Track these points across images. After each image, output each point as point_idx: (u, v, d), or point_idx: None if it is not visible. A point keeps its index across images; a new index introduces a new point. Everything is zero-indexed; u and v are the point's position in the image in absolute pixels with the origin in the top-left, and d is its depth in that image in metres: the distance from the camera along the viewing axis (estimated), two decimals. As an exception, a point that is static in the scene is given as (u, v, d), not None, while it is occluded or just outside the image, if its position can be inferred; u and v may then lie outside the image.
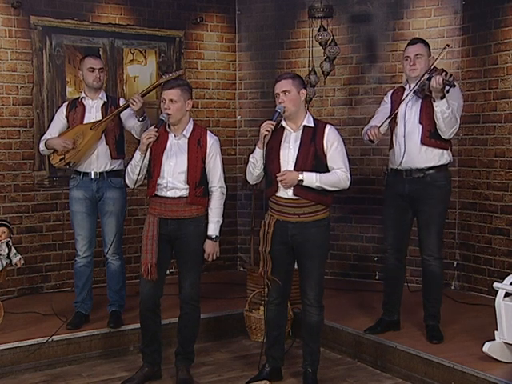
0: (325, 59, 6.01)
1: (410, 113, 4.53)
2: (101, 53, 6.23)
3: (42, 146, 4.95)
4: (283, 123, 4.12)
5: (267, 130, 4.01)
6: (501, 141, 5.62)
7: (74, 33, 6.11)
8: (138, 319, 4.38)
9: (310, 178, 4.00)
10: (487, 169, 5.75)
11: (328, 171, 4.07)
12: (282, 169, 4.06)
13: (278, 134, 4.09)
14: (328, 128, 4.10)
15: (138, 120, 4.73)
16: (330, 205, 4.18)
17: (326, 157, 4.06)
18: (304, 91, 4.13)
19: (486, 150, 5.75)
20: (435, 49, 5.99)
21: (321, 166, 4.05)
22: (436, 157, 4.52)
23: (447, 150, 4.56)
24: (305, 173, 4.00)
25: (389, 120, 4.58)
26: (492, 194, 5.71)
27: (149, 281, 4.18)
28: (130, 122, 4.84)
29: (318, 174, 4.02)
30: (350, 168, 4.12)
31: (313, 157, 4.04)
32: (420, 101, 4.50)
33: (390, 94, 4.75)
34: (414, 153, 4.50)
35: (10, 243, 4.81)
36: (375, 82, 6.34)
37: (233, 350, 5.10)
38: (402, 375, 4.49)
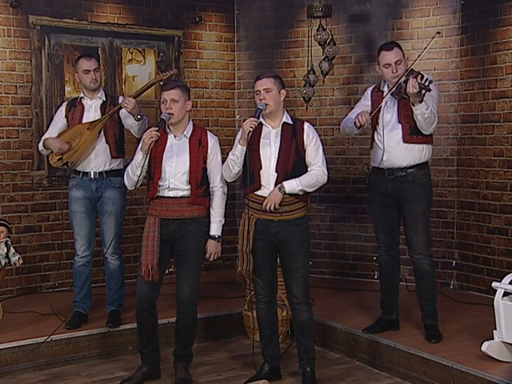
0: (324, 59, 6.02)
1: (389, 114, 4.58)
2: (99, 52, 6.23)
3: (40, 146, 4.96)
4: (262, 121, 4.16)
5: (251, 127, 4.03)
6: (499, 140, 5.62)
7: (73, 32, 6.10)
8: (136, 320, 4.38)
9: (292, 186, 4.07)
10: (486, 168, 5.75)
11: (306, 167, 4.14)
12: (264, 165, 4.10)
13: (256, 131, 4.11)
14: (307, 125, 4.20)
15: (135, 120, 4.73)
16: (308, 201, 4.23)
17: (305, 152, 4.14)
18: (284, 91, 4.18)
19: (485, 149, 5.75)
20: (434, 48, 6.03)
21: (301, 162, 4.13)
22: (417, 153, 4.56)
23: (429, 144, 4.62)
24: (284, 183, 4.06)
25: (375, 111, 4.58)
26: (491, 194, 5.72)
27: (147, 282, 4.17)
28: (129, 120, 4.84)
29: (297, 179, 4.09)
30: (327, 163, 4.21)
31: (295, 152, 4.10)
32: (397, 102, 4.55)
33: (370, 92, 4.77)
34: (396, 152, 4.55)
35: (9, 243, 4.81)
36: (374, 82, 6.31)
37: (232, 349, 5.10)
38: (401, 374, 4.49)
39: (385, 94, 4.60)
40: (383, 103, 4.57)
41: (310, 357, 4.26)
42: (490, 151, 5.70)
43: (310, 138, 4.15)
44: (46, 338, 4.62)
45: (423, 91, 4.25)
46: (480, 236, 5.82)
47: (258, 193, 4.14)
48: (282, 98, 4.17)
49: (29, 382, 4.48)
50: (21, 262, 4.85)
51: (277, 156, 4.10)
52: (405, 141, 4.53)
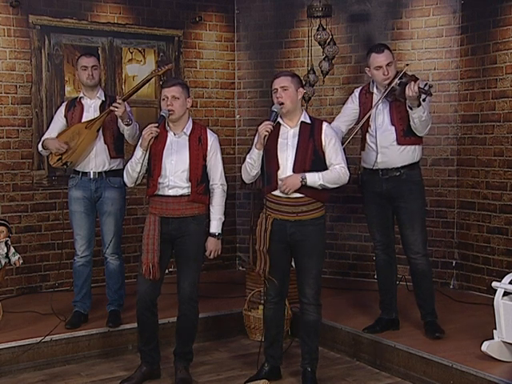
0: (324, 58, 6.02)
1: (381, 116, 4.59)
2: (99, 52, 6.23)
3: (40, 147, 4.96)
4: (280, 120, 4.14)
5: (266, 131, 4.01)
6: (499, 140, 5.62)
7: (73, 32, 6.10)
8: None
9: (313, 178, 4.03)
10: (486, 168, 5.75)
11: (326, 167, 4.10)
12: (281, 166, 4.07)
13: (274, 131, 4.09)
14: (325, 125, 4.15)
15: (124, 124, 4.71)
16: (327, 201, 4.21)
17: (324, 153, 4.10)
18: (302, 90, 4.15)
19: (485, 149, 5.75)
20: (434, 48, 6.03)
21: (319, 162, 4.08)
22: (410, 154, 4.59)
23: (420, 144, 4.65)
24: (306, 174, 4.02)
25: (363, 121, 4.60)
26: (491, 193, 5.71)
27: (148, 280, 4.18)
28: (121, 124, 4.82)
29: (320, 173, 4.04)
30: (347, 163, 4.17)
31: (312, 152, 4.06)
32: (388, 104, 4.56)
33: (357, 94, 4.76)
34: (391, 154, 4.56)
35: (9, 242, 4.81)
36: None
37: (232, 349, 5.10)
38: (401, 374, 4.49)
39: (376, 97, 4.61)
40: (374, 109, 4.57)
41: (312, 357, 4.26)
42: (490, 151, 5.70)
43: (329, 139, 4.10)
44: (42, 337, 4.62)
45: (423, 96, 4.26)
46: (480, 236, 5.82)
47: (275, 193, 4.12)
48: (300, 97, 4.14)
49: (29, 381, 4.48)
50: (21, 261, 4.85)
51: (294, 156, 4.07)
52: (399, 143, 4.55)
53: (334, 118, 6.43)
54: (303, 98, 6.13)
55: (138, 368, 4.37)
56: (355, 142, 6.39)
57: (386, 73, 4.50)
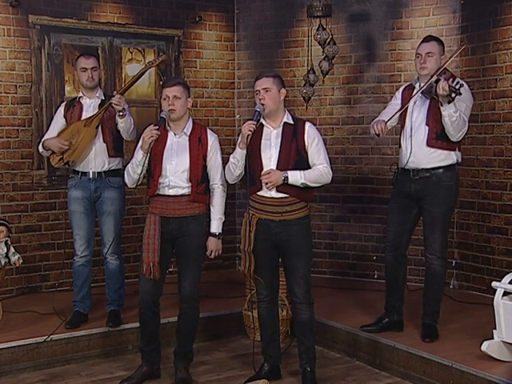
0: (323, 58, 6.02)
1: (417, 113, 4.54)
2: (99, 52, 6.23)
3: (40, 148, 4.96)
4: (263, 121, 4.15)
5: (249, 130, 4.02)
6: (499, 140, 5.62)
7: (73, 32, 6.10)
8: (137, 318, 4.38)
9: (295, 176, 4.04)
10: (486, 168, 5.75)
11: (309, 167, 4.11)
12: (265, 166, 4.08)
13: (257, 132, 4.10)
14: (308, 125, 4.16)
15: (118, 116, 4.69)
16: (311, 201, 4.22)
17: (306, 153, 4.11)
18: (284, 91, 4.16)
19: (485, 149, 5.75)
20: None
21: (302, 162, 4.10)
22: (441, 156, 4.51)
23: (454, 150, 4.56)
24: (289, 171, 4.03)
25: (397, 115, 4.56)
26: (490, 193, 5.72)
27: (149, 280, 4.18)
28: (117, 119, 4.81)
29: (302, 172, 4.06)
30: (330, 163, 4.18)
31: (295, 153, 4.08)
32: (427, 101, 4.50)
33: (401, 90, 4.74)
34: (420, 153, 4.51)
35: (9, 242, 4.80)
36: (374, 81, 6.34)
37: (232, 349, 5.10)
38: (401, 374, 4.49)
39: (415, 91, 4.56)
40: (411, 102, 4.52)
41: (310, 356, 4.26)
42: (490, 151, 5.70)
43: (312, 139, 4.12)
44: (45, 337, 4.62)
45: (453, 94, 4.21)
46: (480, 235, 5.82)
47: (259, 193, 4.12)
48: (282, 98, 4.15)
49: (29, 381, 4.48)
50: (21, 261, 4.85)
51: (277, 157, 4.08)
52: (428, 144, 4.49)
53: (334, 117, 6.52)
54: (303, 97, 6.18)
55: (139, 368, 4.38)
56: (354, 141, 6.42)
57: (423, 61, 4.46)
